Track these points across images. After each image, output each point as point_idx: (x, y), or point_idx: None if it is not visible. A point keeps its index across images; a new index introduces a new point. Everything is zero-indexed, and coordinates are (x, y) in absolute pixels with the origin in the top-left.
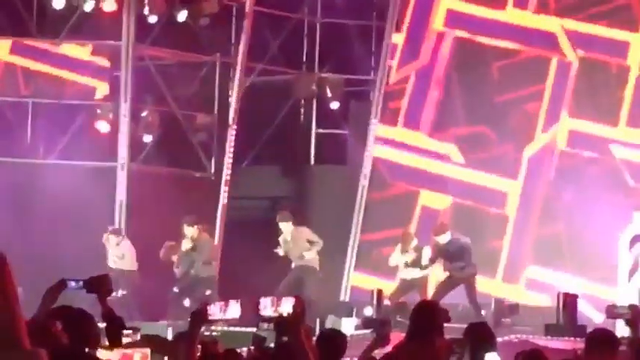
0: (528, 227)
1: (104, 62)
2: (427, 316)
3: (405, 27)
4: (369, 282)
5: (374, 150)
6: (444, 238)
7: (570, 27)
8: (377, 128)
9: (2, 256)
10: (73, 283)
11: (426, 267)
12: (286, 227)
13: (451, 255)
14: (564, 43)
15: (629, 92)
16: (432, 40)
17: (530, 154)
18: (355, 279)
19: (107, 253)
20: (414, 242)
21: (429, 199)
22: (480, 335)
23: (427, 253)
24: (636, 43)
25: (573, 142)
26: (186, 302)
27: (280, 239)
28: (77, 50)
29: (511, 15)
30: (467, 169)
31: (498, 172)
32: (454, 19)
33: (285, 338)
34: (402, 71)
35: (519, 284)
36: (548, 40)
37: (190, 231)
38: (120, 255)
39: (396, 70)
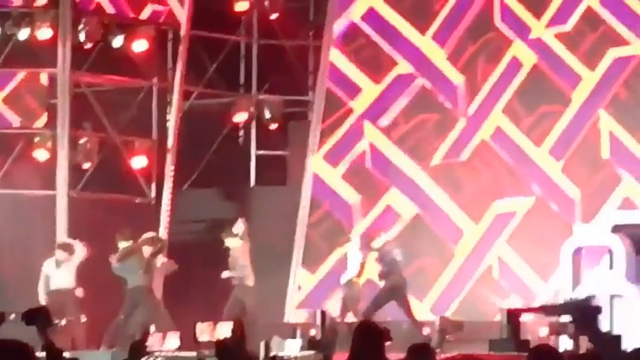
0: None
1: (42, 89)
2: (368, 337)
3: None
4: (313, 303)
5: (313, 168)
6: (377, 243)
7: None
8: (317, 147)
9: None
10: (12, 316)
11: (358, 273)
12: (234, 242)
13: (384, 263)
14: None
15: None
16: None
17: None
18: (299, 301)
19: (50, 274)
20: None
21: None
22: (422, 357)
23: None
24: None
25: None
26: (131, 329)
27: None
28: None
29: (426, 45)
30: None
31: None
32: (372, 17)
33: None
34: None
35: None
36: (446, 87)
37: (125, 245)
38: (66, 272)
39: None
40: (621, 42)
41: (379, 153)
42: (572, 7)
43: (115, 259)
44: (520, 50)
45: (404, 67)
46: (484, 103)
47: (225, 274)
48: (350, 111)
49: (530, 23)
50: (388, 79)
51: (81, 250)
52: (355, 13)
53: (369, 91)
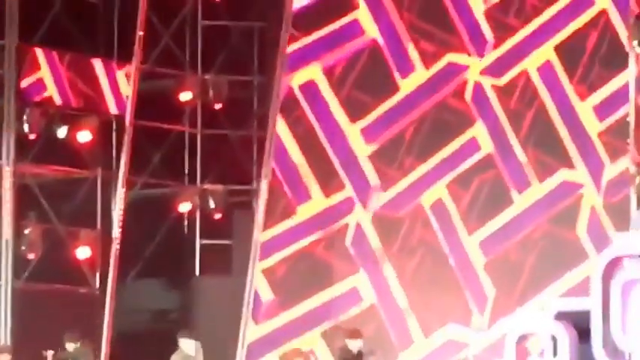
0: None
1: None
2: None
3: None
4: None
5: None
6: (355, 345)
7: None
8: (264, 234)
9: None
10: None
11: None
12: (189, 344)
13: None
14: None
15: None
16: None
17: None
18: None
19: None
20: None
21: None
22: None
23: None
24: None
25: None
26: None
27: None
28: None
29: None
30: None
31: None
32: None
33: None
34: None
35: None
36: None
37: (72, 347)
38: None
39: None
40: None
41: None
42: None
43: None
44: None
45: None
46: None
47: None
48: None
49: None
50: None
51: None
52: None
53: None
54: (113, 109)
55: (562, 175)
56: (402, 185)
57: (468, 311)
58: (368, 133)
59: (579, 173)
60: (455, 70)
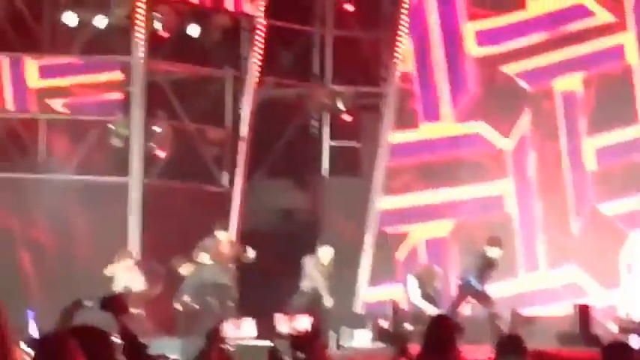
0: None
1: (117, 78)
2: (442, 331)
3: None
4: (383, 294)
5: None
6: (493, 252)
7: None
8: (392, 136)
9: None
10: (88, 303)
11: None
12: (326, 253)
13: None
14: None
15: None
16: (472, 65)
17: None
18: (370, 292)
19: (115, 279)
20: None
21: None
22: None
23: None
24: None
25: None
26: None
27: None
28: (90, 66)
29: (534, 9)
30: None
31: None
32: (484, 37)
33: (300, 354)
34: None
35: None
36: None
37: (223, 235)
38: (131, 278)
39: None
40: None
41: None
42: None
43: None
44: None
45: None
46: None
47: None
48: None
49: None
50: None
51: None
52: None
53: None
54: (247, 8)
55: None
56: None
57: None
58: None
59: None
60: None
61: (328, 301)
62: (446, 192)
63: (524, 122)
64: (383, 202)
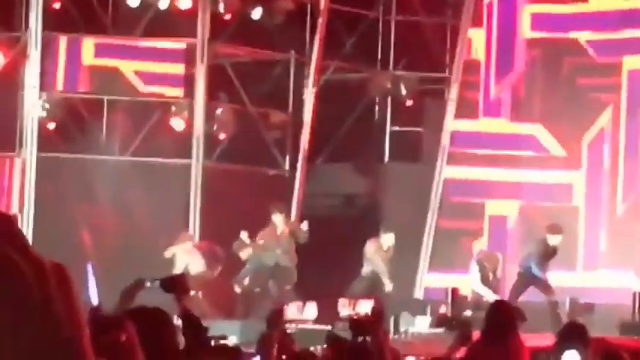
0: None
1: (179, 59)
2: (502, 316)
3: (493, 35)
4: (443, 280)
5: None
6: (554, 240)
7: None
8: (454, 123)
9: (64, 268)
10: (149, 283)
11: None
12: (389, 239)
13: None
14: None
15: None
16: (522, 48)
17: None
18: (429, 278)
19: (175, 261)
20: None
21: (497, 207)
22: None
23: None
24: None
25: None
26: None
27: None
28: (153, 47)
29: (595, 4)
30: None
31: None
32: (539, 22)
33: (361, 338)
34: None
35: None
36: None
37: (278, 218)
38: (190, 260)
39: (494, 82)
40: None
41: None
42: None
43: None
44: None
45: None
46: None
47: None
48: None
49: None
50: None
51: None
52: None
53: None
54: None
55: None
56: None
57: None
58: None
59: None
60: None
61: (388, 286)
62: (513, 172)
63: (605, 116)
64: (450, 172)
